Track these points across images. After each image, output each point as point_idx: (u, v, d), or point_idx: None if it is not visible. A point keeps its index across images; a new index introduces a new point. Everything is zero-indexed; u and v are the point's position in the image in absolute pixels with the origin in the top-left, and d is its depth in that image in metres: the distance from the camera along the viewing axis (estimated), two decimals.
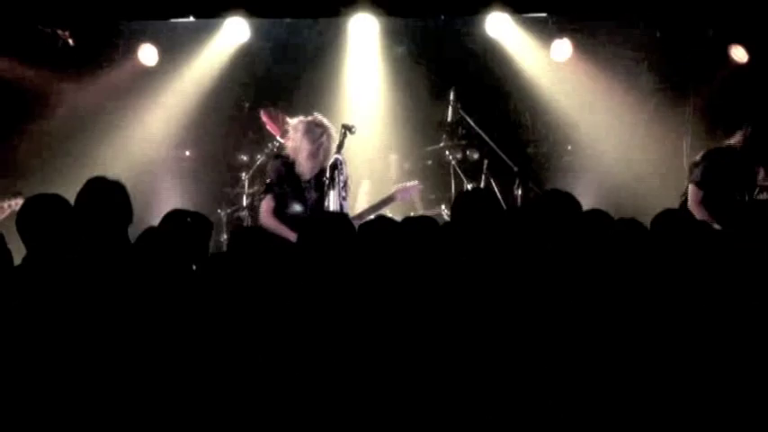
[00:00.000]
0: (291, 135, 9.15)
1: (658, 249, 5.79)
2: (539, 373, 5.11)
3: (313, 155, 8.96)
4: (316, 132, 9.02)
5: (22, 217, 5.81)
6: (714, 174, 8.85)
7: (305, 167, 9.01)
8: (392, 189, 10.07)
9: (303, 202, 9.00)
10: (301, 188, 9.00)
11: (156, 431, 5.04)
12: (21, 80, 11.79)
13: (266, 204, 9.01)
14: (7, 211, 9.65)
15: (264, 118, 11.41)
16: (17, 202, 9.52)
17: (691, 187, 8.92)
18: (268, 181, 9.15)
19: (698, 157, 9.05)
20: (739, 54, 11.55)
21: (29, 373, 5.08)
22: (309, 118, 9.17)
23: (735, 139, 9.01)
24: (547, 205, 6.43)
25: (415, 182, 10.18)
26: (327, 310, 5.32)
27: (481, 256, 5.85)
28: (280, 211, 8.91)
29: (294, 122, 9.23)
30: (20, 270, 5.67)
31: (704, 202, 8.76)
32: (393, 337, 5.21)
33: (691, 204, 8.85)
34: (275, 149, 10.99)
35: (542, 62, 12.10)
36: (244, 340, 5.23)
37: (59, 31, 11.77)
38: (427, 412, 5.00)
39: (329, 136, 9.06)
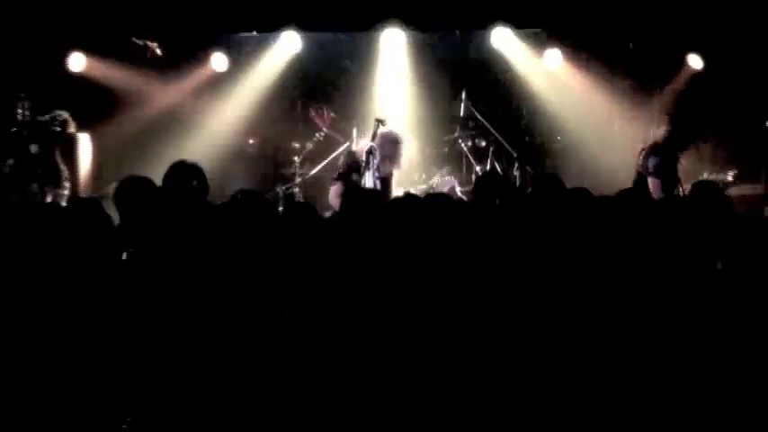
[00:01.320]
0: (382, 142, 10.13)
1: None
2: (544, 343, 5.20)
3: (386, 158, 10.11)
4: (377, 132, 10.17)
5: (118, 193, 6.41)
6: (665, 164, 9.66)
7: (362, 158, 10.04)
8: (432, 181, 11.39)
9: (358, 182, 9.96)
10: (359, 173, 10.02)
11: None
12: (117, 82, 12.80)
13: (336, 188, 10.11)
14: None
15: (313, 114, 12.54)
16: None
17: (650, 180, 9.61)
18: (341, 171, 10.20)
19: (646, 149, 9.83)
20: (695, 61, 12.58)
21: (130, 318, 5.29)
22: (375, 121, 10.34)
23: (658, 133, 9.93)
24: (538, 185, 7.31)
25: (451, 177, 11.53)
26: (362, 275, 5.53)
27: (494, 227, 6.22)
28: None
29: (387, 134, 10.27)
30: (117, 231, 6.12)
31: (663, 189, 9.53)
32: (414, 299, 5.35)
33: (654, 193, 9.48)
34: (321, 139, 12.48)
35: (537, 68, 13.00)
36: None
37: (149, 43, 12.93)
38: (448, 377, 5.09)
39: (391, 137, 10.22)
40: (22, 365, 5.07)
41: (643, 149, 9.94)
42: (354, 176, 10.02)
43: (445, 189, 11.06)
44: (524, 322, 5.25)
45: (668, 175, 9.72)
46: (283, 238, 5.89)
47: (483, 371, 5.10)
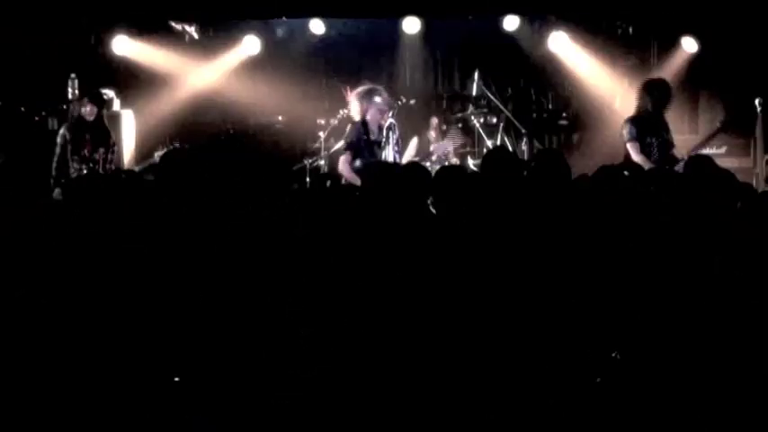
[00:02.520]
0: (355, 103, 10.28)
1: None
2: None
3: (378, 112, 10.18)
4: (370, 94, 10.26)
5: (161, 163, 6.76)
6: (638, 130, 9.91)
7: (372, 125, 10.14)
8: (432, 146, 11.63)
9: (373, 156, 10.14)
10: (371, 145, 10.18)
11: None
12: (156, 64, 13.35)
13: (344, 158, 10.14)
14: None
15: (346, 92, 11.76)
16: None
17: (630, 144, 9.89)
18: (348, 141, 10.21)
19: (624, 122, 10.11)
20: (689, 44, 13.03)
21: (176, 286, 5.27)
22: (361, 87, 10.39)
23: (638, 105, 10.09)
24: (542, 159, 7.39)
25: (450, 140, 11.85)
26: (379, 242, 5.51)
27: (504, 200, 6.26)
28: (354, 163, 10.07)
29: (353, 93, 10.34)
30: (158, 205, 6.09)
31: (641, 150, 9.82)
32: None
33: (634, 156, 9.81)
34: (344, 115, 11.83)
35: (544, 50, 13.39)
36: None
37: (186, 27, 13.54)
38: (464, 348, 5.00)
39: (380, 94, 10.24)
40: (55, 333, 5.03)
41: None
42: (361, 145, 10.16)
43: (440, 152, 11.39)
44: (528, 308, 5.16)
45: (647, 141, 10.01)
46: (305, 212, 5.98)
47: (490, 359, 5.00)
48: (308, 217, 5.90)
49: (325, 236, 5.64)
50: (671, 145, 10.20)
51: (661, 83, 10.33)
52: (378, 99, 10.19)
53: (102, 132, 11.02)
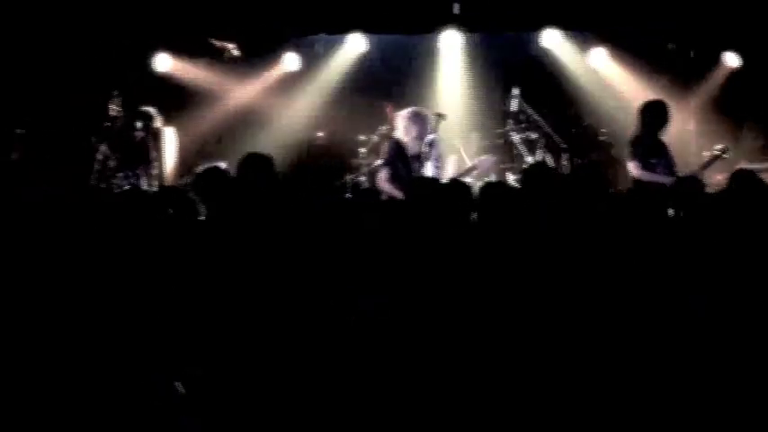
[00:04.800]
0: (402, 122, 10.42)
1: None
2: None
3: (418, 135, 10.33)
4: (417, 119, 10.39)
5: (197, 181, 6.96)
6: (641, 151, 10.06)
7: (411, 145, 10.33)
8: (474, 161, 11.38)
9: (409, 172, 10.22)
10: (409, 162, 10.30)
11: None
12: (197, 81, 13.51)
13: (383, 173, 10.33)
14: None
15: (388, 110, 12.54)
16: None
17: (632, 164, 10.06)
18: (386, 157, 10.41)
19: (627, 143, 10.28)
20: (731, 59, 13.05)
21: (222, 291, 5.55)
22: (412, 109, 10.53)
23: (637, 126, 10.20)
24: (581, 174, 7.87)
25: (491, 156, 11.53)
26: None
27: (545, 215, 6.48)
28: (393, 179, 10.18)
29: (403, 113, 10.46)
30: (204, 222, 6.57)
31: (643, 168, 9.96)
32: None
33: (640, 175, 9.98)
34: (385, 131, 12.39)
35: (583, 66, 13.47)
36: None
37: (227, 44, 13.52)
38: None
39: (425, 120, 10.38)
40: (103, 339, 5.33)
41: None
42: (398, 161, 10.26)
43: (484, 167, 11.28)
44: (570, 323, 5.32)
45: (651, 162, 10.10)
46: (351, 221, 6.23)
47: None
48: (350, 232, 6.09)
49: (369, 250, 5.88)
50: (673, 165, 10.26)
51: (656, 105, 10.37)
52: (421, 119, 10.41)
53: (143, 149, 11.07)
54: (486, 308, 5.35)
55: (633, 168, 10.07)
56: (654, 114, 10.23)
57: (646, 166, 10.08)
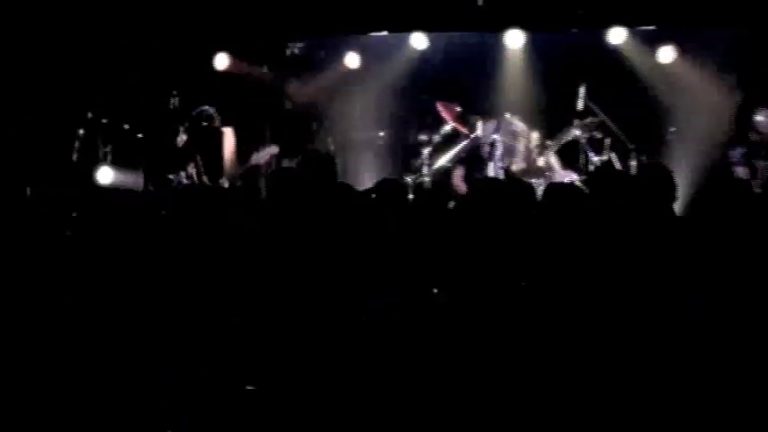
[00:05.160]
0: (485, 126, 10.74)
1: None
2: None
3: (484, 135, 10.60)
4: (501, 126, 10.74)
5: (268, 182, 7.40)
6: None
7: (485, 142, 10.69)
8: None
9: (482, 172, 10.50)
10: (482, 162, 10.64)
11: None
12: (255, 79, 13.67)
13: (459, 172, 10.73)
14: (266, 157, 11.14)
15: (440, 107, 12.55)
16: (273, 149, 11.16)
17: (736, 170, 10.01)
18: (461, 156, 10.74)
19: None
20: None
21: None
22: (500, 118, 10.86)
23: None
24: (649, 175, 7.28)
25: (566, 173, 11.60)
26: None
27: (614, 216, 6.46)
28: (467, 178, 10.47)
29: (484, 122, 10.79)
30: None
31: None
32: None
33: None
34: (448, 131, 12.48)
35: (652, 63, 13.17)
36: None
37: (289, 44, 13.76)
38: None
39: (490, 121, 10.80)
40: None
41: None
42: (473, 161, 10.70)
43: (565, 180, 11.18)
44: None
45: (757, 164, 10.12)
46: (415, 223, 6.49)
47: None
48: (411, 232, 6.26)
49: (429, 250, 5.93)
50: None
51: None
52: (499, 125, 10.81)
53: (186, 152, 11.14)
54: (537, 311, 5.37)
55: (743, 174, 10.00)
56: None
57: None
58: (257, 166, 10.94)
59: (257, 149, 11.12)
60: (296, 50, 13.85)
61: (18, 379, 5.34)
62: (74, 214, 7.52)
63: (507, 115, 11.29)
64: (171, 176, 10.95)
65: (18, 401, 5.24)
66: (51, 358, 5.42)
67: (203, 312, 5.64)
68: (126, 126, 12.69)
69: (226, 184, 10.91)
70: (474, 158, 10.75)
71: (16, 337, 5.53)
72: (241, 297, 5.72)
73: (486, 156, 10.74)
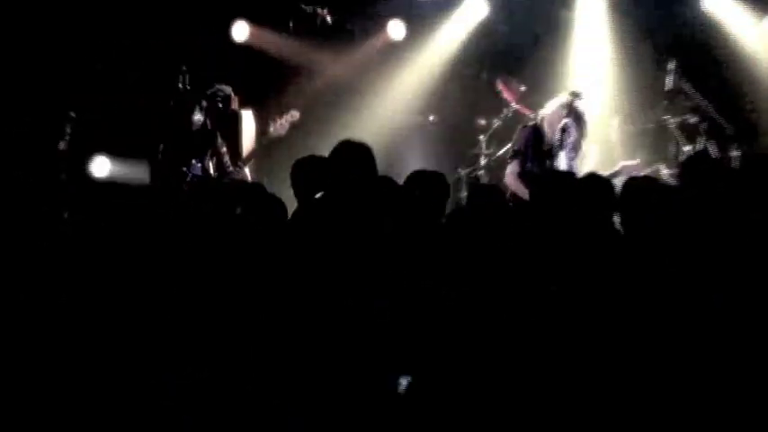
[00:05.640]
0: (553, 107, 9.88)
1: None
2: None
3: (550, 122, 9.76)
4: (573, 107, 9.77)
5: (292, 173, 7.15)
6: None
7: (552, 136, 9.76)
8: (618, 165, 10.49)
9: (541, 166, 9.73)
10: (543, 154, 9.74)
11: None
12: (283, 53, 12.76)
13: (512, 168, 9.78)
14: (287, 125, 10.70)
15: (501, 86, 12.00)
16: (293, 115, 10.71)
17: None
18: (516, 148, 9.87)
19: None
20: None
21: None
22: (570, 94, 9.92)
23: None
24: (751, 167, 7.15)
25: (637, 161, 10.68)
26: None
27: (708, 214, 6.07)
28: (524, 175, 9.64)
29: (561, 97, 9.93)
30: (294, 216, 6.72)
31: None
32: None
33: None
34: (510, 114, 11.84)
35: (756, 35, 12.30)
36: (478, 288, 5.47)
37: (319, 10, 12.63)
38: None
39: (557, 102, 9.87)
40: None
41: None
42: (531, 154, 9.80)
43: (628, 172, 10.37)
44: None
45: None
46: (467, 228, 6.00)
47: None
48: (465, 239, 5.93)
49: (483, 261, 5.69)
50: None
51: None
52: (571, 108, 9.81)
53: (206, 135, 10.78)
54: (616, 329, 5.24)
55: None
56: None
57: None
58: (278, 139, 10.67)
59: (274, 119, 10.73)
60: (327, 18, 12.74)
61: (20, 379, 5.47)
62: (65, 215, 7.97)
63: (581, 95, 10.23)
64: (183, 168, 10.58)
65: (20, 402, 5.38)
66: (53, 358, 5.56)
67: (207, 312, 5.70)
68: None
69: (248, 177, 10.65)
70: (537, 149, 9.87)
71: (19, 338, 5.68)
72: (246, 297, 5.76)
73: (556, 144, 9.81)
